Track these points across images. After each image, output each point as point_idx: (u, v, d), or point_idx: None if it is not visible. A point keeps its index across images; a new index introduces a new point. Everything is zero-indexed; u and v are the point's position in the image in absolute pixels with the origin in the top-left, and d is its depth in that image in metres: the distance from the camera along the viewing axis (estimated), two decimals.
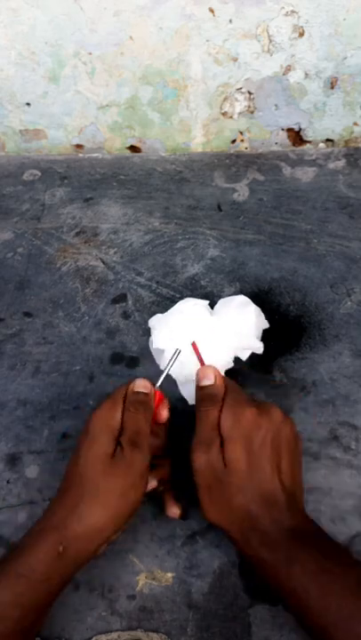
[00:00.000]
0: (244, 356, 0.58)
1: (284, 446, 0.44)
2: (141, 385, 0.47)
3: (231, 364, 0.58)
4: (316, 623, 0.37)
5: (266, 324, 0.61)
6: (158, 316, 0.62)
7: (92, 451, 0.43)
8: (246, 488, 0.42)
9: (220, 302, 0.62)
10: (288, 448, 0.45)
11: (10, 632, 0.37)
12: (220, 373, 0.48)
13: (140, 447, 0.44)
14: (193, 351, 0.52)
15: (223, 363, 0.57)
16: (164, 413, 0.49)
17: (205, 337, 0.57)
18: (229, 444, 0.43)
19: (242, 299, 0.61)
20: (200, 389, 0.48)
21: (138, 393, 0.47)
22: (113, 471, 0.43)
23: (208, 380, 0.48)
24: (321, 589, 0.37)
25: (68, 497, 0.42)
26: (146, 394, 0.47)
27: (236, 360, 0.58)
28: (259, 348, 0.58)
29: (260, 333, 0.60)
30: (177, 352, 0.52)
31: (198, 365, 0.56)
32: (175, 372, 0.58)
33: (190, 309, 0.60)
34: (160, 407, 0.48)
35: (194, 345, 0.51)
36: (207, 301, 0.62)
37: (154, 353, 0.61)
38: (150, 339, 0.61)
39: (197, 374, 0.48)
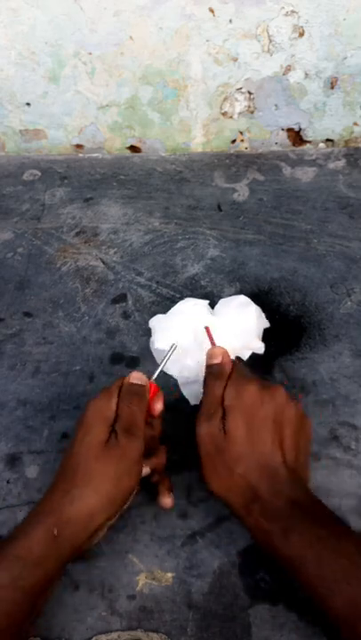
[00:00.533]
0: (245, 356, 0.58)
1: (288, 426, 0.45)
2: (137, 377, 0.48)
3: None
4: (313, 589, 0.38)
5: (267, 324, 0.61)
6: (159, 316, 0.62)
7: (87, 438, 0.44)
8: (247, 457, 0.43)
9: (221, 302, 0.62)
10: (292, 428, 0.45)
11: (8, 614, 0.37)
12: (228, 354, 0.49)
13: (134, 434, 0.44)
14: (206, 334, 0.54)
15: None
16: (159, 406, 0.49)
17: (206, 337, 0.58)
18: (230, 414, 0.45)
19: (242, 299, 0.61)
20: (208, 367, 0.49)
21: (133, 384, 0.48)
22: (106, 457, 0.43)
23: (216, 359, 0.49)
24: (317, 556, 0.38)
25: (62, 482, 0.43)
26: (141, 385, 0.48)
27: (237, 360, 0.58)
28: (260, 347, 0.58)
29: (260, 333, 0.60)
30: (173, 347, 0.53)
31: (199, 366, 0.57)
32: (176, 372, 0.58)
33: (191, 309, 0.60)
34: (155, 399, 0.49)
35: (207, 329, 0.53)
36: (207, 301, 0.62)
37: (155, 353, 0.61)
38: (151, 339, 0.61)
39: (207, 353, 0.50)
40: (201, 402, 0.48)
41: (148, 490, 0.50)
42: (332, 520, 0.41)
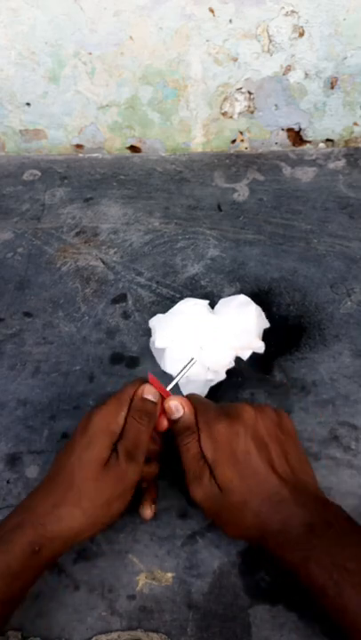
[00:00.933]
0: (245, 356, 0.58)
1: (268, 439, 0.44)
2: (150, 392, 0.46)
3: (232, 364, 0.58)
4: (337, 621, 0.37)
5: (267, 324, 0.61)
6: (159, 316, 0.62)
7: (87, 453, 0.43)
8: (248, 501, 0.42)
9: (221, 302, 0.62)
10: (272, 438, 0.44)
11: None
12: (185, 399, 0.47)
13: (135, 460, 0.43)
14: (152, 384, 0.48)
15: (225, 362, 0.57)
16: (165, 422, 0.48)
17: (206, 337, 0.58)
18: (217, 470, 0.43)
19: (242, 298, 0.61)
20: (173, 423, 0.47)
21: (145, 401, 0.46)
22: (103, 479, 0.42)
23: (178, 413, 0.46)
24: (336, 588, 0.37)
25: (51, 494, 0.42)
26: (154, 403, 0.46)
27: (237, 360, 0.58)
28: (260, 347, 0.58)
29: (260, 333, 0.60)
30: (192, 361, 0.51)
31: (200, 365, 0.57)
32: (176, 372, 0.58)
33: (191, 309, 0.60)
34: (163, 415, 0.48)
35: (151, 376, 0.48)
36: (207, 301, 0.62)
37: (155, 353, 0.61)
38: (151, 339, 0.61)
39: (164, 407, 0.47)
40: (183, 463, 0.45)
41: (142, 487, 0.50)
42: (349, 537, 0.40)
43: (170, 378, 0.59)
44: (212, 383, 0.57)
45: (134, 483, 0.44)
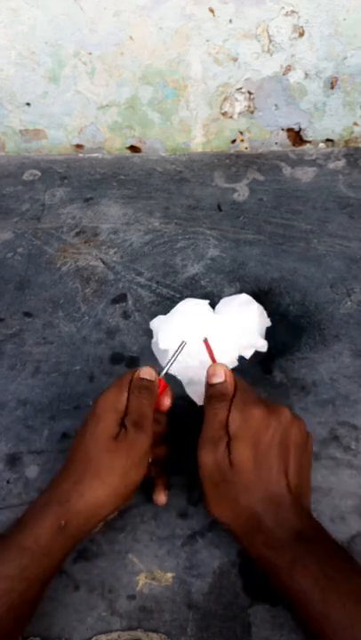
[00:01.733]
0: (248, 355, 0.58)
1: (293, 447, 0.44)
2: (147, 372, 0.48)
3: (236, 363, 0.58)
4: (315, 627, 0.37)
5: (268, 323, 0.61)
6: (160, 317, 0.62)
7: (97, 430, 0.44)
8: (252, 488, 0.42)
9: (223, 301, 0.62)
10: (296, 449, 0.44)
11: (17, 604, 0.38)
12: (230, 371, 0.48)
13: (143, 429, 0.45)
14: (205, 348, 0.52)
15: (228, 362, 0.57)
16: (167, 401, 0.49)
17: (209, 336, 0.58)
18: (237, 444, 0.43)
19: (244, 297, 0.61)
20: (210, 387, 0.47)
21: (143, 379, 0.48)
22: (116, 450, 0.43)
23: (218, 378, 0.47)
24: (322, 594, 0.37)
25: (71, 472, 0.43)
26: (151, 380, 0.48)
27: (239, 359, 0.58)
28: (263, 345, 0.58)
29: (263, 331, 0.60)
30: (183, 344, 0.52)
31: (202, 366, 0.56)
32: (180, 372, 0.58)
33: (192, 310, 0.60)
34: (163, 395, 0.49)
35: (206, 342, 0.51)
36: (207, 301, 0.62)
37: (157, 354, 0.61)
38: (153, 340, 0.61)
39: (208, 371, 0.48)
40: (203, 424, 0.46)
41: (148, 490, 0.50)
42: (338, 555, 0.40)
43: (172, 377, 0.59)
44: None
45: (146, 451, 0.45)
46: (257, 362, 0.60)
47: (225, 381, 0.47)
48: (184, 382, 0.58)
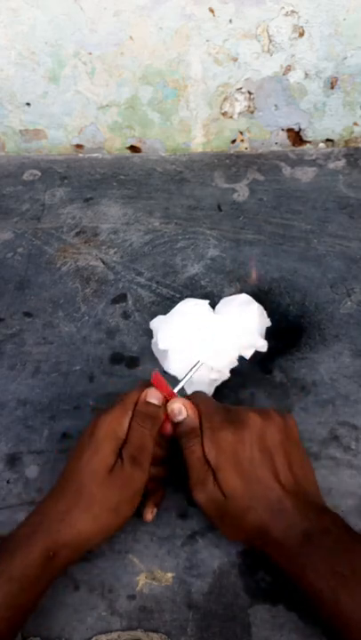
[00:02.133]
0: (248, 355, 0.58)
1: (273, 449, 0.44)
2: (154, 395, 0.46)
3: (236, 363, 0.58)
4: (333, 627, 0.38)
5: (268, 323, 0.61)
6: (160, 317, 0.62)
7: (94, 461, 0.43)
8: (251, 508, 0.42)
9: (223, 301, 0.62)
10: (278, 448, 0.44)
11: (1, 633, 0.38)
12: (189, 403, 0.47)
13: (140, 464, 0.44)
14: (155, 384, 0.48)
15: (228, 362, 0.57)
16: (170, 426, 0.47)
17: (209, 336, 0.58)
18: (221, 475, 0.43)
19: (244, 297, 0.61)
20: (176, 426, 0.46)
21: (149, 404, 0.46)
22: (110, 484, 0.43)
23: (181, 415, 0.46)
24: (333, 594, 0.37)
25: (62, 501, 0.42)
26: (157, 406, 0.46)
27: (239, 359, 0.58)
28: (263, 345, 0.58)
29: (263, 331, 0.60)
30: (198, 364, 0.51)
31: (205, 366, 0.57)
32: (180, 373, 0.58)
33: (192, 310, 0.60)
34: (168, 420, 0.47)
35: (156, 376, 0.48)
36: (207, 301, 0.62)
37: (157, 354, 0.61)
38: (153, 340, 0.61)
39: (168, 409, 0.47)
40: (186, 466, 0.45)
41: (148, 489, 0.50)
42: (349, 545, 0.40)
43: (173, 379, 0.59)
44: (217, 383, 0.57)
45: (140, 487, 0.44)
46: (257, 362, 0.60)
47: (188, 416, 0.46)
48: (186, 383, 0.58)
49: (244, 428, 0.44)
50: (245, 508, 0.42)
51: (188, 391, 0.57)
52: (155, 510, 0.49)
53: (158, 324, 0.61)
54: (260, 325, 0.60)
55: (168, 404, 0.47)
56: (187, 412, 0.46)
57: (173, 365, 0.58)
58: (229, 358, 0.57)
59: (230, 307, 0.61)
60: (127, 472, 0.43)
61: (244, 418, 0.45)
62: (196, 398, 0.48)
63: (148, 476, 0.45)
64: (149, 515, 0.48)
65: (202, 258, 0.72)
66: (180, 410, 0.46)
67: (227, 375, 0.57)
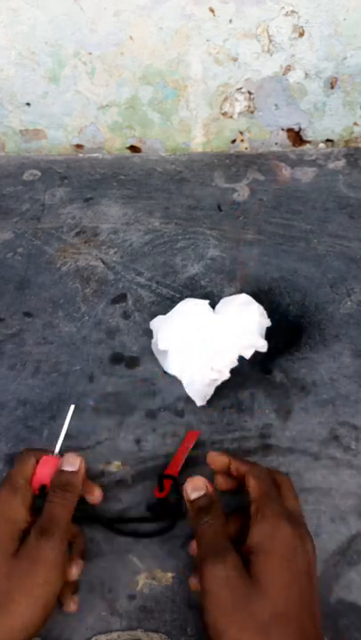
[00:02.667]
0: (248, 355, 0.58)
1: (314, 581, 0.38)
2: (70, 461, 0.42)
3: (236, 363, 0.58)
4: None
5: (268, 323, 0.61)
6: (160, 317, 0.62)
7: None
8: (284, 617, 0.34)
9: (222, 301, 0.62)
10: (312, 582, 0.37)
11: None
12: (209, 482, 0.43)
13: (49, 534, 0.38)
14: (184, 445, 0.49)
15: (227, 362, 0.57)
16: (97, 493, 0.44)
17: (209, 336, 0.58)
18: (262, 556, 0.36)
19: (244, 297, 0.61)
20: (191, 503, 0.42)
21: (64, 473, 0.42)
22: (15, 571, 0.37)
23: (199, 492, 0.42)
24: None
25: None
26: (74, 473, 0.42)
27: (239, 359, 0.58)
28: (263, 345, 0.58)
29: (263, 331, 0.60)
30: (72, 408, 0.49)
31: (203, 366, 0.57)
32: (179, 373, 0.58)
33: (192, 310, 0.60)
34: (92, 487, 0.45)
35: (191, 435, 0.49)
36: (207, 301, 0.62)
37: (157, 354, 0.61)
38: (153, 340, 0.61)
39: (186, 487, 0.43)
40: (197, 542, 0.40)
41: (147, 489, 0.50)
42: None
43: (173, 379, 0.59)
44: (217, 383, 0.57)
45: (54, 561, 0.38)
46: (257, 362, 0.60)
47: (207, 492, 0.42)
48: (184, 382, 0.58)
49: (304, 538, 0.39)
50: (278, 613, 0.34)
51: (188, 392, 0.57)
52: (76, 598, 0.44)
53: (158, 324, 0.61)
54: (260, 325, 0.60)
55: (187, 482, 0.43)
56: (206, 489, 0.42)
57: (173, 366, 0.59)
58: (229, 358, 0.57)
59: (230, 307, 0.61)
60: (33, 548, 0.38)
61: (305, 530, 0.40)
62: (263, 485, 0.42)
63: (65, 545, 0.39)
64: (72, 605, 0.43)
65: (202, 258, 0.72)
66: (199, 485, 0.42)
67: (227, 375, 0.57)
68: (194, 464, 0.52)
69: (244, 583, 0.35)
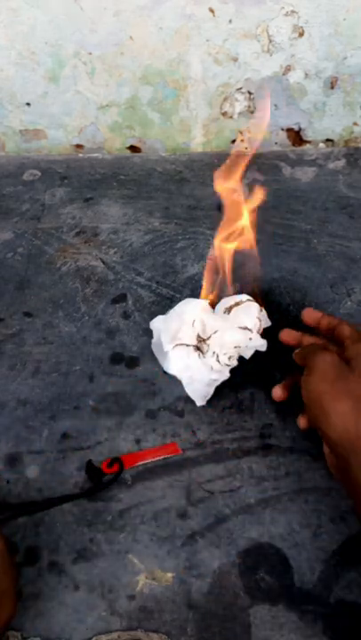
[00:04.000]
0: (248, 355, 0.58)
1: None
2: None
3: (236, 363, 0.58)
4: None
5: (268, 323, 0.61)
6: (160, 317, 0.62)
7: None
8: None
9: (223, 301, 0.62)
10: None
11: None
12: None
13: None
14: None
15: (228, 362, 0.57)
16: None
17: (209, 337, 0.58)
18: (356, 344, 0.45)
19: (244, 298, 0.61)
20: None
21: None
22: None
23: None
24: None
25: None
26: None
27: (239, 359, 0.58)
28: (262, 345, 0.58)
29: (261, 331, 0.60)
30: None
31: (202, 366, 0.57)
32: (180, 372, 0.58)
33: (192, 310, 0.60)
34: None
35: (173, 448, 0.53)
36: (207, 301, 0.62)
37: (157, 354, 0.61)
38: (153, 340, 0.61)
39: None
40: (298, 351, 0.50)
41: (147, 489, 0.50)
42: None
43: (173, 379, 0.59)
44: (217, 383, 0.57)
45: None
46: (257, 362, 0.60)
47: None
48: (184, 382, 0.58)
49: None
50: None
51: (188, 391, 0.57)
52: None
53: (158, 324, 0.61)
54: (259, 325, 0.60)
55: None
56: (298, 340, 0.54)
57: (173, 366, 0.59)
58: (229, 358, 0.57)
59: (237, 309, 0.61)
60: None
61: None
62: (345, 323, 0.51)
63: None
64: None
65: (202, 258, 0.72)
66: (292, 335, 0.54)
67: (227, 375, 0.57)
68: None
69: (345, 367, 0.44)
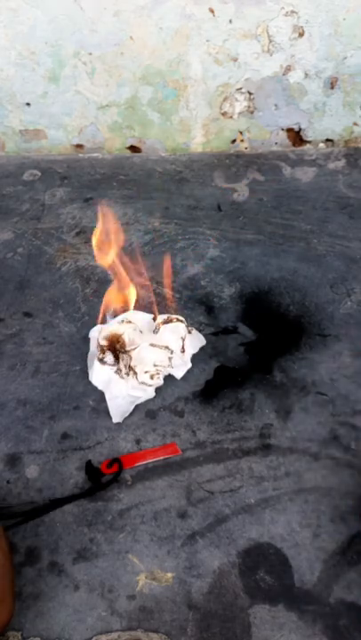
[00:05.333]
0: (179, 375, 0.58)
1: None
2: None
3: (161, 382, 0.57)
4: None
5: (203, 341, 0.61)
6: (97, 327, 0.62)
7: None
8: None
9: (159, 317, 0.62)
10: None
11: None
12: None
13: None
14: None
15: (150, 381, 0.57)
16: None
17: (138, 354, 0.58)
18: None
19: (174, 317, 0.61)
20: None
21: None
22: None
23: None
24: None
25: None
26: None
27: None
28: (185, 363, 0.59)
29: (194, 351, 0.60)
30: None
31: (126, 381, 0.56)
32: (104, 386, 0.58)
33: (133, 318, 0.61)
34: None
35: (173, 449, 0.52)
36: (152, 315, 0.62)
37: (89, 365, 0.60)
38: (90, 350, 0.61)
39: None
40: None
41: (147, 488, 0.50)
42: None
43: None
44: (139, 401, 0.57)
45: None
46: (257, 362, 0.60)
47: None
48: (107, 396, 0.57)
49: None
50: None
51: (110, 407, 0.56)
52: None
53: (95, 333, 0.61)
54: (189, 347, 0.60)
55: None
56: None
57: (96, 379, 0.58)
58: (156, 376, 0.57)
59: (164, 328, 0.60)
60: None
61: None
62: None
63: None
64: None
65: (202, 258, 0.72)
66: None
67: (151, 394, 0.57)
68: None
69: None
